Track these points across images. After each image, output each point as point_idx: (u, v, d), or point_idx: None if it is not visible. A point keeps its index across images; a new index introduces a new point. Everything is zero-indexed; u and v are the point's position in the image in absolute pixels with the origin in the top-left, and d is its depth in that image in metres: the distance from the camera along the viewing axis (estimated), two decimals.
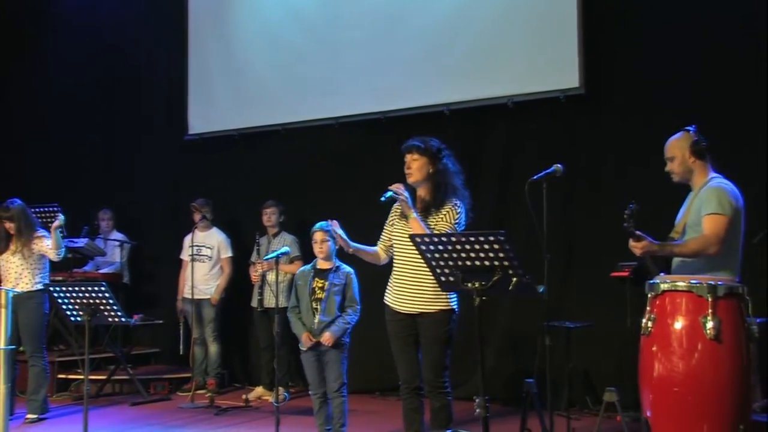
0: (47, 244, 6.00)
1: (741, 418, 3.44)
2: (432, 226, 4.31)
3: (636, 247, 3.76)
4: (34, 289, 5.98)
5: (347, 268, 5.09)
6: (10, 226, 6.01)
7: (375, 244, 4.64)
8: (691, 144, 3.95)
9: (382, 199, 4.30)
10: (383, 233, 4.62)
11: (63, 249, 6.05)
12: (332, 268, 5.06)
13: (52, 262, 6.22)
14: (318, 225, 5.11)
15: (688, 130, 4.00)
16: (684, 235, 3.96)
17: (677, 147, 4.00)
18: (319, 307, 5.00)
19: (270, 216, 6.95)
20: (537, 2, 6.38)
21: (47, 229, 6.10)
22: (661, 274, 3.85)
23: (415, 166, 4.39)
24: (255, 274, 6.79)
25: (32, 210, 6.39)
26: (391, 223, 4.58)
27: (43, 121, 9.08)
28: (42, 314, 6.06)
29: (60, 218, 6.05)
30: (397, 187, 4.31)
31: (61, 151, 8.87)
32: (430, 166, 4.39)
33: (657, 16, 6.00)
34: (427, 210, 4.38)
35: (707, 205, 3.84)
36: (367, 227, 4.91)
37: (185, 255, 7.29)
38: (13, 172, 8.85)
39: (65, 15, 8.99)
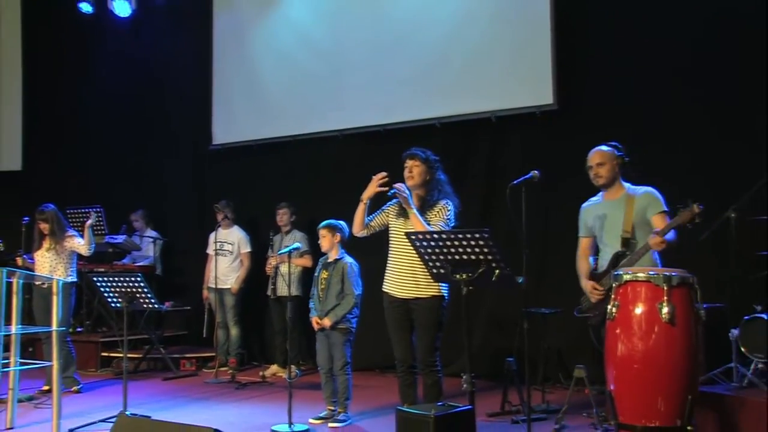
0: (78, 242, 6.02)
1: (690, 389, 3.48)
2: (427, 220, 4.36)
3: (662, 243, 3.79)
4: (66, 281, 5.96)
5: (345, 261, 5.05)
6: (44, 226, 6.03)
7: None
8: (619, 157, 4.14)
9: (390, 193, 4.37)
10: (375, 218, 4.60)
11: (93, 245, 6.06)
12: (334, 260, 5.09)
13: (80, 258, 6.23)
14: (322, 223, 5.16)
15: (616, 145, 4.18)
16: (634, 233, 4.03)
17: (608, 156, 4.16)
18: (323, 295, 5.05)
19: (282, 216, 6.96)
20: (516, 30, 6.41)
21: (77, 228, 6.16)
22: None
23: (417, 171, 4.45)
24: (269, 266, 6.82)
25: (79, 210, 6.39)
26: (386, 215, 4.59)
27: (89, 134, 9.11)
28: (70, 305, 6.05)
29: (93, 216, 6.07)
30: (400, 186, 4.37)
31: (104, 160, 8.90)
32: (427, 174, 4.46)
33: (624, 41, 6.03)
34: (422, 206, 4.44)
35: (656, 205, 4.01)
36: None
37: (210, 250, 7.29)
38: (62, 179, 8.90)
39: (107, 43, 9.00)
